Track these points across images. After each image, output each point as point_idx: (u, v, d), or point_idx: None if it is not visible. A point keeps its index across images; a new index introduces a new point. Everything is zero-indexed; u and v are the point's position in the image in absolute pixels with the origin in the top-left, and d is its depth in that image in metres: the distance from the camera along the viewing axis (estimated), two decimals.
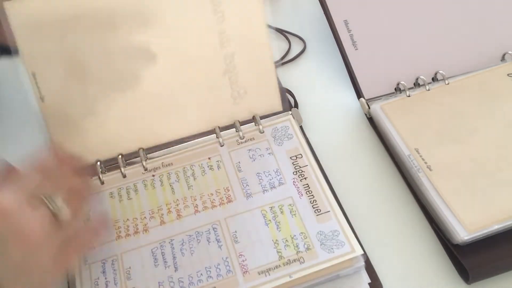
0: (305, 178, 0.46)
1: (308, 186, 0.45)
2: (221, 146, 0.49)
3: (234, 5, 0.47)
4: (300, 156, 0.48)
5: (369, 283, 0.41)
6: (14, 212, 0.31)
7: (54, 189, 0.35)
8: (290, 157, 0.48)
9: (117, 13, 0.44)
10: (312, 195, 0.45)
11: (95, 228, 0.42)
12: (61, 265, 0.36)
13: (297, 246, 0.42)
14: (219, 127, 0.50)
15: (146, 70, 0.47)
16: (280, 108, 0.52)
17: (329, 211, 0.44)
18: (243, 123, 0.51)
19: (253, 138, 0.50)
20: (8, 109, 0.59)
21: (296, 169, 0.47)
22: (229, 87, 0.50)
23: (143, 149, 0.49)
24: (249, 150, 0.49)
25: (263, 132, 0.50)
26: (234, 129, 0.51)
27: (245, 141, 0.50)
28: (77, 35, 0.44)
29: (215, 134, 0.50)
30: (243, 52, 0.49)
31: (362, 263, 0.41)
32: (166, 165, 0.48)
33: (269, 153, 0.48)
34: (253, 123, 0.51)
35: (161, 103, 0.49)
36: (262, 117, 0.51)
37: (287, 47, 0.62)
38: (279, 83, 0.56)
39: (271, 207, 0.45)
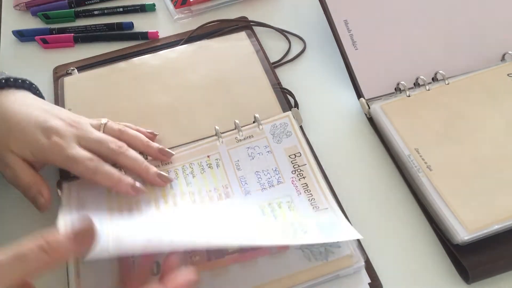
0: (303, 177, 0.46)
1: (306, 185, 0.45)
2: (220, 144, 0.49)
3: None
4: (299, 154, 0.48)
5: (369, 283, 0.41)
6: None
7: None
8: (289, 156, 0.48)
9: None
10: (311, 194, 0.45)
11: None
12: None
13: None
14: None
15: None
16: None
17: (327, 209, 0.44)
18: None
19: (252, 136, 0.50)
20: None
21: (295, 167, 0.47)
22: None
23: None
24: (248, 148, 0.49)
25: (262, 128, 0.50)
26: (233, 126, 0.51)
27: (244, 139, 0.49)
28: None
29: (214, 132, 0.50)
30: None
31: (362, 263, 0.41)
32: (165, 164, 0.48)
33: (268, 151, 0.48)
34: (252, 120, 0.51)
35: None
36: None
37: (287, 47, 0.62)
38: (279, 84, 0.56)
39: (270, 203, 0.45)
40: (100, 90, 0.57)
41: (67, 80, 0.58)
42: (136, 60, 0.60)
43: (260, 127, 0.50)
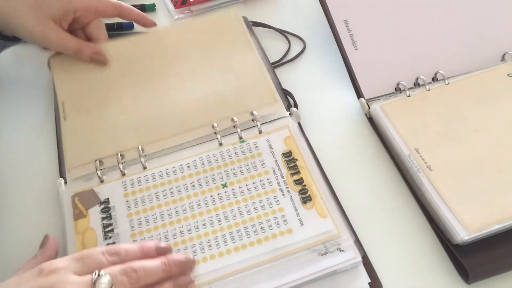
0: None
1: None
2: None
3: None
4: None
5: (369, 283, 0.41)
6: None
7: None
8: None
9: None
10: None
11: None
12: None
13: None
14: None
15: None
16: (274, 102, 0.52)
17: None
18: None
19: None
20: (8, 95, 0.59)
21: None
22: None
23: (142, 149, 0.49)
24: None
25: (261, 131, 0.50)
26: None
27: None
28: None
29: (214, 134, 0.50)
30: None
31: (359, 259, 0.41)
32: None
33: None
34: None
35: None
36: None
37: (287, 47, 0.62)
38: (279, 84, 0.56)
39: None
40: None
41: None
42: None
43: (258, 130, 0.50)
